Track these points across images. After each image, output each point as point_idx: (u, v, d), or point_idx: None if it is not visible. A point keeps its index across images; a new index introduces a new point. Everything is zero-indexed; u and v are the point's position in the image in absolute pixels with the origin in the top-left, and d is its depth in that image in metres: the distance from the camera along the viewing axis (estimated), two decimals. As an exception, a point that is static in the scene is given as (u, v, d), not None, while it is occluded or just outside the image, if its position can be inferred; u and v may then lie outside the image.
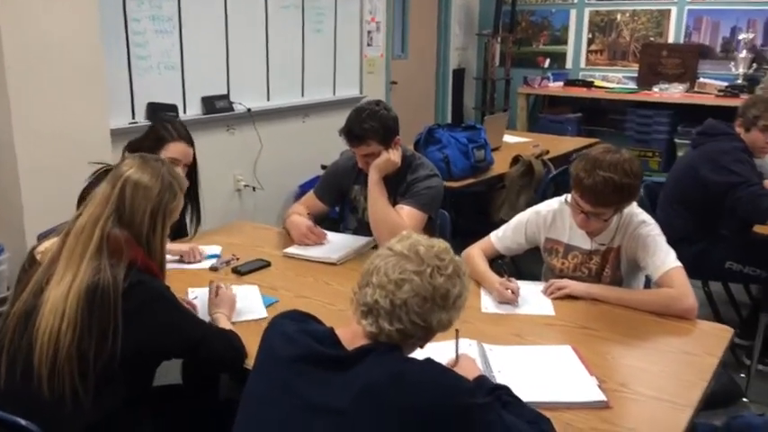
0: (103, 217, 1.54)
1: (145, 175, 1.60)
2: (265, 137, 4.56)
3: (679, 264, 1.99)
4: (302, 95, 4.90)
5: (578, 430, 1.40)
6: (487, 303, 2.03)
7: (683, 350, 1.75)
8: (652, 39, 6.22)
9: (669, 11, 6.08)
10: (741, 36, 5.75)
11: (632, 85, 6.24)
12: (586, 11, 6.51)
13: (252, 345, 1.64)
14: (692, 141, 3.13)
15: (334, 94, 5.20)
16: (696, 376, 1.61)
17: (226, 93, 4.30)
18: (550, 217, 2.23)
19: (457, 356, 1.50)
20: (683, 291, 1.93)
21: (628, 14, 6.31)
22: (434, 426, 1.11)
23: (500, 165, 3.95)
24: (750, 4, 5.73)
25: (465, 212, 4.14)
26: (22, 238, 3.15)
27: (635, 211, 2.10)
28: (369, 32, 5.49)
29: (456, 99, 7.07)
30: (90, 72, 3.21)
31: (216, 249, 2.45)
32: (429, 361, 1.20)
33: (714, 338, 1.82)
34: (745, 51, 5.69)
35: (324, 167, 4.00)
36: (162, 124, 2.42)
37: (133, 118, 3.74)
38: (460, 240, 2.71)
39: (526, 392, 1.44)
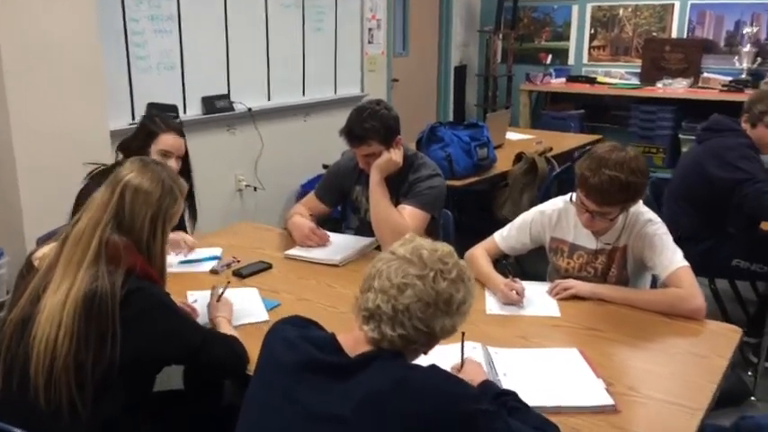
0: (102, 223, 1.51)
1: (145, 179, 1.57)
2: (266, 136, 4.53)
3: (686, 263, 1.95)
4: (303, 94, 4.87)
5: (586, 436, 1.38)
6: (492, 305, 2.00)
7: (692, 351, 1.72)
8: (655, 34, 6.17)
9: (672, 5, 6.04)
10: (745, 30, 5.70)
11: (635, 81, 6.20)
12: (588, 6, 6.47)
13: (253, 349, 1.61)
14: (698, 137, 3.10)
15: (335, 92, 5.17)
16: (706, 378, 1.58)
17: (226, 92, 4.27)
18: (555, 216, 2.20)
19: (462, 360, 1.47)
20: (692, 290, 1.90)
21: (630, 9, 6.26)
22: (438, 434, 1.08)
23: (503, 162, 3.92)
24: (754, -3, 5.69)
25: (468, 211, 4.11)
26: (22, 242, 3.13)
27: (641, 209, 2.07)
28: (369, 30, 5.46)
29: (458, 96, 7.04)
30: (89, 72, 3.19)
31: (216, 251, 2.42)
32: (433, 367, 1.17)
33: (723, 339, 1.79)
34: (749, 46, 5.64)
35: (325, 167, 3.97)
36: (150, 119, 2.41)
37: (133, 119, 3.71)
38: (463, 239, 2.69)
39: (532, 397, 1.41)
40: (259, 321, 1.90)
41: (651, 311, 1.92)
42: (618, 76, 6.34)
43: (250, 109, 4.35)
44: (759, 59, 5.65)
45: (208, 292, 2.01)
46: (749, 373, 2.88)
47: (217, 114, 4.17)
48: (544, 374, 1.58)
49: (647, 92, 5.92)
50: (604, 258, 2.12)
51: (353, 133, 2.34)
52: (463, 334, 1.46)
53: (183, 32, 3.94)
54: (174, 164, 2.32)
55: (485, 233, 2.34)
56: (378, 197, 2.36)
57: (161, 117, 2.42)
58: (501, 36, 6.83)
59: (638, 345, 1.77)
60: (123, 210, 1.54)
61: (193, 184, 2.46)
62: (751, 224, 2.92)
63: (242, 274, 2.22)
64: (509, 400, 1.33)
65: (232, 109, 4.27)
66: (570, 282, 2.06)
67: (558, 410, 1.43)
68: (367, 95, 5.30)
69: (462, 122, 4.01)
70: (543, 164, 3.81)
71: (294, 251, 2.42)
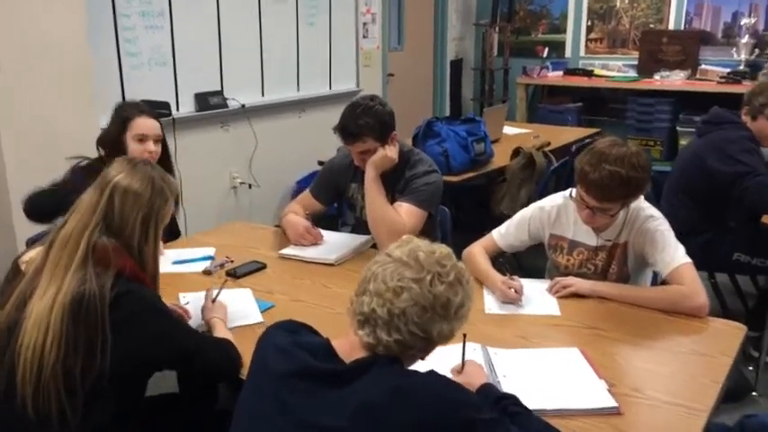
0: (90, 226, 1.47)
1: (135, 180, 1.52)
2: (260, 133, 4.48)
3: (689, 260, 1.92)
4: (297, 90, 4.82)
5: (589, 439, 1.34)
6: (491, 304, 1.96)
7: (696, 350, 1.68)
8: (652, 25, 6.13)
9: (669, -3, 5.99)
10: (743, 21, 5.66)
11: (633, 74, 6.15)
12: (585, -2, 6.43)
13: (247, 352, 1.57)
14: (698, 130, 3.06)
15: (330, 88, 5.11)
16: (710, 378, 1.54)
17: (219, 89, 4.22)
18: (554, 212, 2.16)
19: (463, 362, 1.43)
20: (694, 287, 1.86)
21: (627, 1, 6.21)
22: (438, 442, 1.05)
23: (500, 157, 3.87)
24: (752, -12, 5.64)
25: (465, 207, 4.07)
26: (13, 241, 3.09)
27: (642, 205, 2.03)
28: (364, 24, 5.40)
29: (454, 90, 6.99)
30: (78, 69, 3.14)
31: (209, 251, 2.38)
32: (431, 373, 1.13)
33: (727, 337, 1.75)
34: (747, 37, 5.60)
35: (321, 163, 3.93)
36: (121, 106, 2.39)
37: (125, 116, 3.65)
38: (461, 235, 2.65)
39: (533, 399, 1.38)
40: (253, 323, 1.86)
41: (653, 309, 1.88)
42: (615, 69, 6.30)
43: (244, 105, 4.30)
44: (757, 51, 5.61)
45: (200, 294, 1.97)
46: (750, 368, 2.85)
47: (210, 111, 4.12)
48: (545, 376, 1.54)
49: (645, 84, 5.87)
50: (605, 255, 2.08)
51: (347, 130, 2.29)
52: (465, 335, 1.42)
53: (174, 28, 3.88)
54: (152, 147, 2.31)
55: (482, 229, 2.30)
56: (373, 195, 2.32)
57: (132, 103, 2.41)
58: (497, 29, 6.78)
59: (640, 344, 1.73)
60: (113, 212, 1.49)
61: (174, 171, 2.45)
62: (752, 218, 2.88)
63: (236, 275, 2.18)
64: (510, 404, 1.29)
65: (226, 105, 4.22)
66: (570, 279, 2.02)
67: (560, 413, 1.39)
68: (362, 90, 5.25)
69: (459, 117, 3.97)
70: (541, 158, 3.77)
71: (288, 250, 2.38)
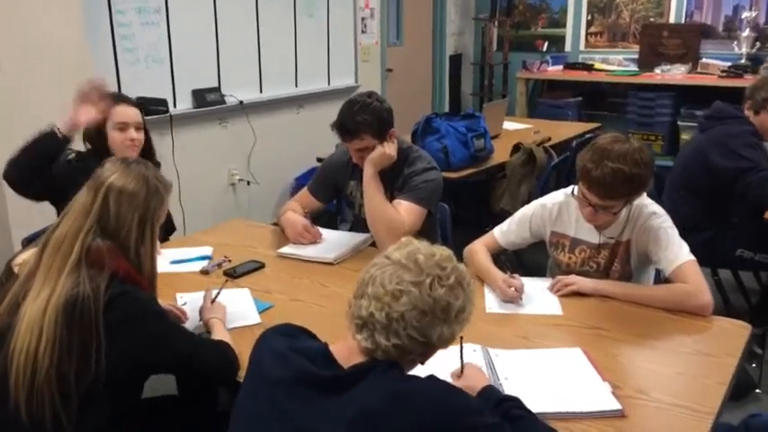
0: (84, 229, 1.43)
1: (129, 180, 1.49)
2: (259, 130, 4.46)
3: (693, 257, 1.89)
4: (296, 86, 4.79)
5: (592, 443, 1.32)
6: (492, 303, 1.93)
7: (701, 350, 1.65)
8: (652, 19, 6.09)
9: (670, -10, 5.96)
10: (744, 14, 5.62)
11: (633, 68, 6.13)
12: (585, -8, 6.39)
13: (245, 353, 1.54)
14: (700, 125, 3.03)
15: (328, 83, 5.08)
16: (715, 379, 1.51)
17: (217, 85, 4.19)
18: (556, 210, 2.13)
19: (462, 366, 1.41)
20: (698, 286, 1.83)
21: (627, -5, 6.18)
22: (439, 449, 1.02)
23: (500, 153, 3.84)
24: (753, -19, 5.61)
25: (465, 203, 4.04)
26: (9, 239, 3.06)
27: (645, 201, 2.00)
28: (363, 19, 5.37)
29: (453, 86, 6.96)
30: (77, 69, 3.09)
31: (207, 251, 2.35)
32: (431, 378, 1.11)
33: (732, 336, 1.72)
34: (748, 30, 5.56)
35: (320, 160, 3.90)
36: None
37: (121, 114, 3.62)
38: (461, 232, 2.63)
39: (535, 402, 1.35)
40: (251, 324, 1.83)
41: (656, 308, 1.85)
42: (615, 63, 6.27)
43: (242, 102, 4.27)
44: (758, 44, 5.57)
45: (198, 294, 1.95)
46: (753, 365, 2.82)
47: (208, 108, 4.09)
48: (547, 378, 1.51)
49: (646, 78, 5.85)
50: (607, 253, 2.05)
51: (345, 127, 2.26)
52: (461, 338, 1.38)
53: (171, 24, 3.85)
54: (134, 134, 2.30)
55: (482, 226, 2.28)
56: (372, 192, 2.29)
57: (111, 92, 2.39)
58: (496, 23, 6.75)
59: (643, 344, 1.71)
60: (108, 214, 1.46)
61: (156, 159, 2.46)
62: (755, 213, 2.85)
63: (233, 275, 2.15)
64: (512, 407, 1.27)
65: (223, 102, 4.19)
66: (572, 278, 2.00)
67: (563, 416, 1.37)
68: (360, 86, 5.21)
69: (458, 113, 3.94)
70: (541, 154, 3.74)
71: (287, 249, 2.35)
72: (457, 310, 1.13)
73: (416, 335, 1.10)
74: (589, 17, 6.41)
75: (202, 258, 2.28)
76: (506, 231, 2.20)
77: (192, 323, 1.82)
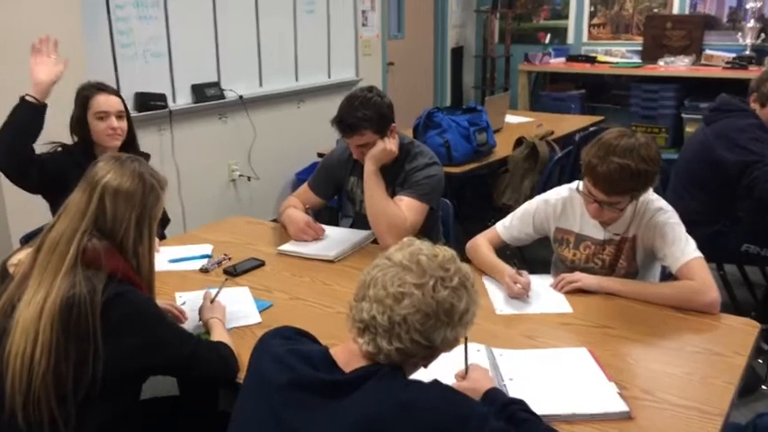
0: (80, 231, 1.40)
1: (125, 179, 1.45)
2: (259, 124, 4.42)
3: (700, 254, 1.85)
4: (296, 80, 4.75)
5: (599, 446, 1.29)
6: (500, 303, 1.88)
7: (708, 349, 1.62)
8: (656, 10, 6.03)
9: (673, -19, 5.89)
10: (748, 5, 5.55)
11: (636, 59, 6.07)
12: (587, -17, 6.32)
13: (245, 354, 1.51)
14: (705, 118, 2.99)
15: (329, 77, 5.04)
16: (724, 379, 1.49)
17: (216, 80, 4.15)
18: (560, 205, 2.09)
19: (467, 367, 1.38)
20: (706, 283, 1.80)
21: (630, -14, 6.12)
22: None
23: (502, 147, 3.81)
24: (757, -30, 5.54)
25: (467, 198, 4.02)
26: (7, 238, 3.04)
27: (651, 197, 1.96)
28: (363, 12, 5.31)
29: (455, 79, 6.91)
30: (71, 62, 3.06)
31: (206, 249, 2.32)
32: (435, 384, 1.08)
33: (740, 334, 1.69)
34: (752, 21, 5.50)
35: (320, 155, 3.87)
36: (81, 87, 2.35)
37: (120, 109, 3.59)
38: (463, 227, 2.60)
39: (540, 404, 1.32)
40: (251, 324, 1.80)
41: (663, 306, 1.82)
42: (619, 55, 6.20)
43: (242, 96, 4.23)
44: (763, 35, 5.51)
45: (197, 293, 1.92)
46: (760, 361, 2.79)
47: (207, 103, 4.06)
48: (552, 379, 1.48)
49: (649, 70, 5.79)
50: (612, 249, 2.02)
51: (345, 123, 2.23)
52: (466, 339, 1.36)
53: (169, 18, 3.80)
54: (115, 123, 2.28)
55: (485, 221, 2.24)
56: (373, 188, 2.26)
57: (91, 82, 2.37)
58: (498, 15, 6.69)
59: (650, 343, 1.67)
60: (104, 215, 1.42)
61: (139, 148, 2.43)
62: (761, 208, 2.81)
63: (233, 273, 2.12)
64: (517, 410, 1.23)
65: (223, 97, 4.15)
66: (576, 275, 1.97)
67: (569, 419, 1.34)
68: (361, 80, 5.17)
69: (460, 106, 3.90)
70: (544, 148, 3.71)
71: (287, 246, 2.32)
72: (461, 313, 1.10)
73: (419, 338, 1.07)
74: (592, 9, 6.35)
75: (202, 257, 2.25)
76: (509, 227, 2.17)
77: (191, 323, 1.79)
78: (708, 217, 2.79)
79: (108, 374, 1.34)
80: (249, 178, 4.45)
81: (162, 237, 2.50)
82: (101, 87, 2.32)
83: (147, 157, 2.34)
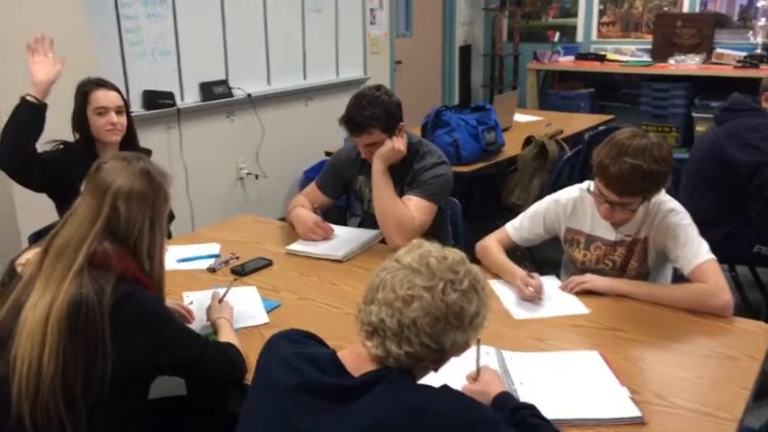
0: (90, 236, 1.38)
1: (135, 180, 1.43)
2: (267, 122, 4.41)
3: (712, 256, 1.83)
4: (304, 78, 4.73)
5: (611, 452, 1.27)
6: (515, 308, 1.85)
7: (723, 353, 1.60)
8: (666, 8, 5.98)
9: (683, -21, 5.84)
10: (760, 3, 5.50)
11: (646, 58, 6.02)
12: (597, -19, 6.28)
13: (252, 354, 1.51)
14: (717, 118, 2.95)
15: (337, 75, 5.02)
16: (738, 384, 1.46)
17: (224, 78, 4.14)
18: (570, 205, 2.07)
19: (478, 369, 1.36)
20: (718, 286, 1.77)
21: (640, -16, 6.07)
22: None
23: (511, 146, 3.78)
24: (769, -32, 5.48)
25: (476, 198, 4.00)
26: (17, 236, 3.04)
27: (663, 198, 1.93)
28: (371, 10, 5.29)
29: (463, 77, 6.88)
30: (79, 61, 3.05)
31: (214, 248, 2.32)
32: (445, 389, 1.06)
33: (754, 338, 1.67)
34: (764, 20, 5.45)
35: (328, 153, 3.86)
36: (81, 83, 2.35)
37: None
38: (471, 227, 2.58)
39: (551, 409, 1.31)
40: (259, 324, 1.79)
41: (674, 308, 1.79)
42: (628, 53, 6.16)
43: (250, 94, 4.22)
44: (774, 33, 5.46)
45: (205, 293, 1.91)
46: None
47: (215, 101, 4.05)
48: (563, 382, 1.47)
49: (659, 69, 5.74)
50: (624, 250, 2.00)
51: (353, 122, 2.21)
52: (479, 340, 1.34)
53: (177, 16, 3.80)
54: (114, 118, 2.28)
55: (494, 220, 2.22)
56: (381, 188, 2.24)
57: (90, 78, 2.37)
58: (507, 14, 6.66)
59: (662, 346, 1.65)
60: (118, 220, 1.40)
61: (139, 144, 2.43)
62: (774, 208, 2.78)
63: (241, 273, 2.11)
64: (528, 414, 1.22)
65: (231, 95, 4.15)
66: (586, 276, 1.94)
67: (581, 424, 1.32)
68: (369, 78, 5.16)
69: (468, 105, 3.87)
70: (554, 147, 3.68)
71: (295, 246, 2.31)
72: (471, 316, 1.08)
73: (429, 342, 1.06)
74: (601, 7, 6.31)
75: (210, 257, 2.24)
76: (519, 227, 2.15)
77: (198, 323, 1.79)
78: (719, 217, 2.75)
79: (116, 375, 1.33)
80: (257, 176, 4.44)
81: (168, 235, 2.49)
82: (100, 83, 2.33)
83: (148, 153, 2.34)
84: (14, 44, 2.82)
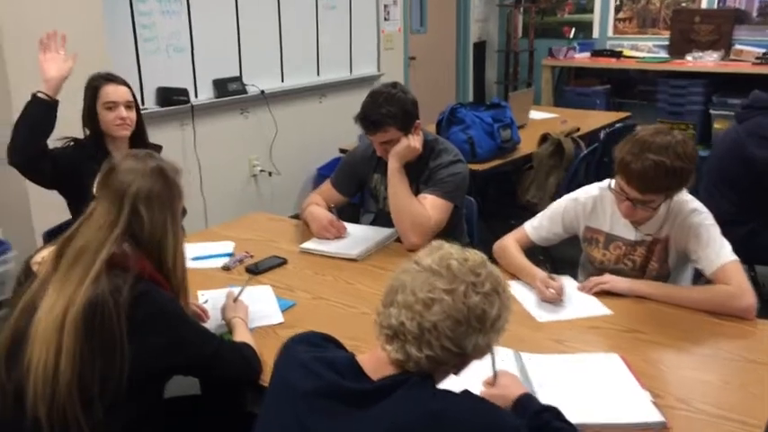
0: (109, 242, 1.36)
1: (153, 181, 1.41)
2: (281, 119, 4.40)
3: (735, 257, 1.79)
4: (318, 75, 4.71)
5: (634, 458, 1.24)
6: (536, 310, 1.82)
7: (746, 357, 1.56)
8: (684, 4, 5.90)
9: (702, -26, 5.77)
10: (780, -2, 5.43)
11: (663, 54, 5.95)
12: (613, -24, 6.21)
13: (267, 354, 1.51)
14: (737, 115, 2.91)
15: (350, 72, 5.00)
16: (764, 389, 1.43)
17: (238, 75, 4.13)
18: (590, 204, 2.04)
19: (495, 374, 1.33)
20: (742, 287, 1.74)
21: (658, -21, 6.00)
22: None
23: (527, 144, 3.74)
24: (790, -37, 5.40)
25: (491, 195, 3.96)
26: (31, 234, 3.05)
27: (685, 197, 1.90)
28: (385, 6, 5.26)
29: (478, 74, 6.83)
30: (93, 58, 3.05)
31: (228, 247, 2.30)
32: (466, 395, 1.04)
33: (778, 341, 1.63)
34: (784, 15, 5.37)
35: (342, 151, 3.84)
36: (90, 78, 2.34)
37: (143, 104, 3.57)
38: (486, 225, 2.55)
39: (571, 412, 1.27)
40: (273, 324, 1.78)
41: (696, 310, 1.76)
42: (645, 50, 6.09)
43: (263, 91, 4.21)
44: (795, 30, 5.38)
45: (220, 291, 1.90)
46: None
47: (229, 97, 4.04)
48: (583, 385, 1.44)
49: (676, 65, 5.67)
50: (644, 250, 1.96)
51: (369, 120, 2.19)
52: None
53: (192, 13, 3.79)
54: (124, 113, 2.27)
55: (509, 218, 2.19)
56: (396, 186, 2.22)
57: (101, 73, 2.36)
58: (522, 10, 6.60)
59: (684, 349, 1.62)
60: (141, 223, 1.39)
61: (148, 140, 2.43)
62: (796, 207, 2.73)
63: (255, 271, 2.10)
64: (551, 418, 1.20)
65: (245, 91, 4.14)
66: (605, 277, 1.91)
67: (602, 429, 1.30)
68: (383, 75, 5.13)
69: (483, 101, 3.85)
70: (570, 145, 3.64)
71: (309, 244, 2.29)
72: (493, 319, 1.06)
73: (450, 345, 1.03)
74: (618, 2, 6.24)
75: (224, 255, 2.23)
76: (538, 227, 2.12)
77: (213, 322, 1.77)
78: (739, 216, 2.71)
79: (133, 374, 1.32)
80: (270, 173, 4.43)
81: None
82: (109, 78, 2.32)
83: (158, 149, 2.33)
84: (27, 40, 2.83)
